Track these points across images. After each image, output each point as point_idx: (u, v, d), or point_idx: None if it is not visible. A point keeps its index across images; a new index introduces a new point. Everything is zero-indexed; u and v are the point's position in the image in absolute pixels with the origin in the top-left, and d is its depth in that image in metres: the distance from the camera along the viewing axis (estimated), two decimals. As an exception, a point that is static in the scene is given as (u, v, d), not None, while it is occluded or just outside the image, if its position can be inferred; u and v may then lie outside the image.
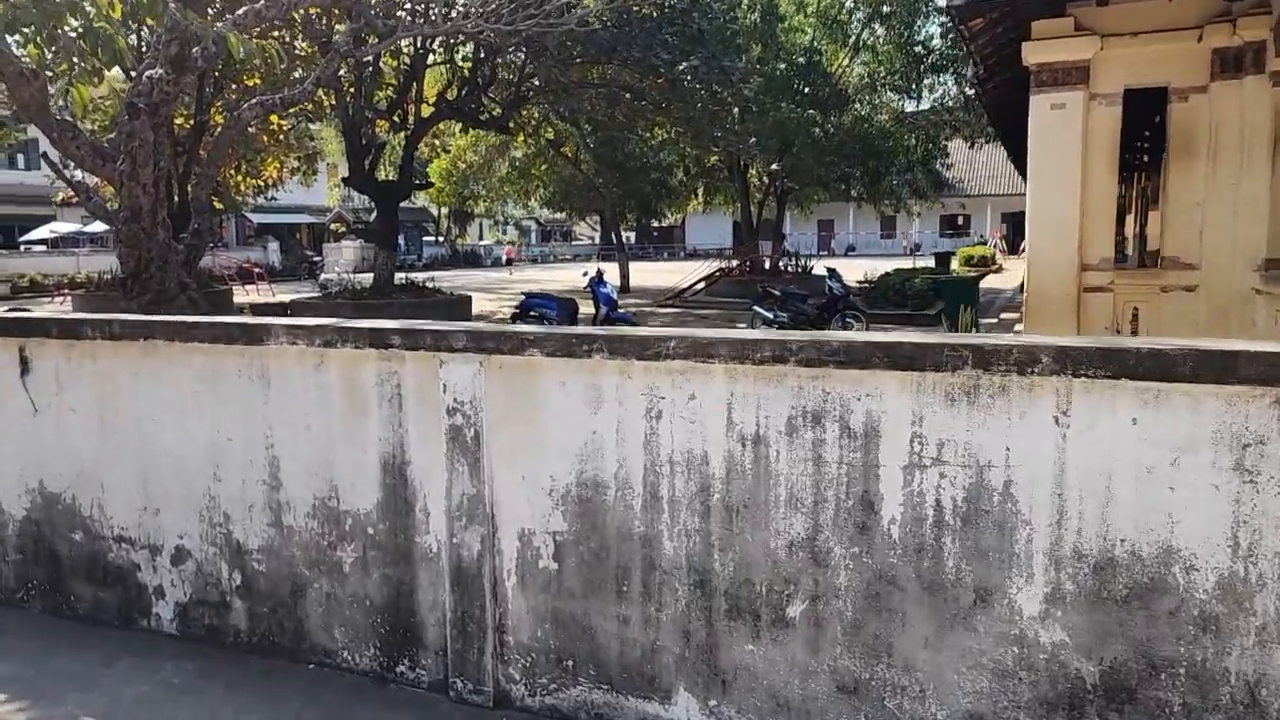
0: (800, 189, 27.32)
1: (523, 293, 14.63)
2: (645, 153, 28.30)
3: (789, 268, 24.66)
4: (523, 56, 18.02)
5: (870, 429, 2.63)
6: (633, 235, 70.42)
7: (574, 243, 77.60)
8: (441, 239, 57.04)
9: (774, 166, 20.13)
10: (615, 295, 13.77)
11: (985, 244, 47.86)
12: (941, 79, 23.27)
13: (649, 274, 28.09)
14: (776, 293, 15.36)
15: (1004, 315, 15.39)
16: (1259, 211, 6.87)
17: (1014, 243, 53.86)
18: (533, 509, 3.13)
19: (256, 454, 3.60)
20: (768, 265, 25.20)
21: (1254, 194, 6.93)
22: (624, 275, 27.39)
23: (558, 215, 70.42)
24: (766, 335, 2.73)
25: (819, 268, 26.92)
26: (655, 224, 61.40)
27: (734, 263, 25.44)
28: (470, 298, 18.96)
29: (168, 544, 3.84)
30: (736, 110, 18.76)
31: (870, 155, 23.30)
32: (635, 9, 15.84)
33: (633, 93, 17.90)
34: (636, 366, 2.89)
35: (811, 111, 21.76)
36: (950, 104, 24.57)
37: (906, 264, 39.51)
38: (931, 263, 34.98)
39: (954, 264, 34.23)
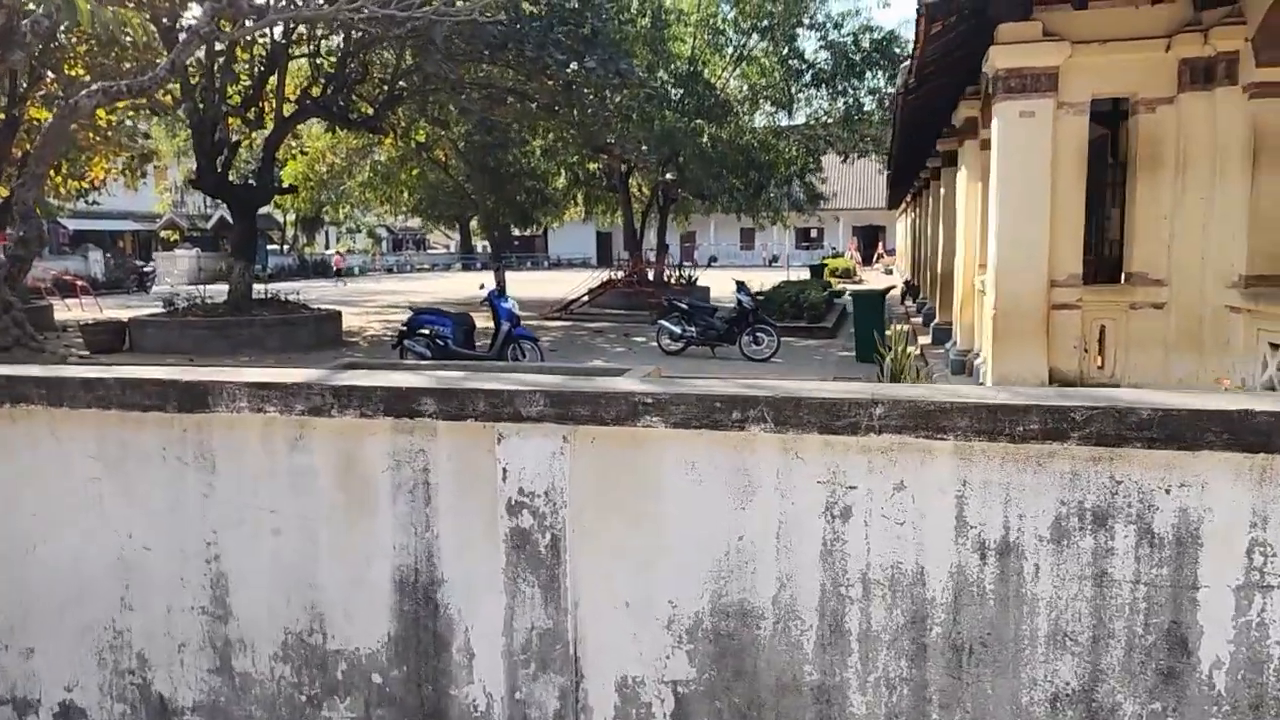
0: (682, 199, 26.91)
1: (410, 306, 13.31)
2: (520, 158, 27.20)
3: (676, 279, 24.13)
4: (398, 50, 16.66)
5: (1185, 534, 1.84)
6: (493, 244, 68.85)
7: (429, 252, 75.01)
8: (287, 248, 53.64)
9: (669, 176, 19.57)
10: (517, 310, 12.69)
11: (843, 256, 49.39)
12: (820, 93, 23.37)
13: (519, 284, 26.93)
14: (684, 306, 14.68)
15: (923, 338, 15.24)
16: (1235, 227, 6.67)
17: (867, 255, 55.91)
18: (641, 648, 2.17)
19: (192, 569, 2.46)
20: (652, 276, 24.58)
21: (1228, 209, 6.73)
22: (500, 286, 26.03)
23: (412, 223, 67.97)
24: (1033, 400, 1.88)
25: (703, 278, 26.65)
26: (516, 233, 60.09)
27: (619, 274, 24.67)
28: (339, 313, 17.33)
29: (47, 698, 2.62)
30: (632, 116, 18.02)
31: (751, 167, 23.10)
32: (526, 6, 14.84)
33: (520, 94, 16.86)
34: (812, 442, 2.00)
35: (699, 121, 21.32)
36: (825, 119, 24.74)
37: (767, 275, 40.08)
38: (805, 274, 35.49)
39: (822, 275, 34.90)
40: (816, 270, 31.56)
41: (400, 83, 16.81)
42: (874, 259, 54.72)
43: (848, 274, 37.70)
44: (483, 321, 13.76)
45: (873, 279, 43.35)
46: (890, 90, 23.66)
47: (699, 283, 25.32)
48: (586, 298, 23.49)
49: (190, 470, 2.44)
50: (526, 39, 14.53)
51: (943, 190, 13.85)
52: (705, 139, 21.71)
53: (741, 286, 14.78)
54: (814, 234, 68.01)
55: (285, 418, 2.33)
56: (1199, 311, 7.03)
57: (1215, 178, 6.82)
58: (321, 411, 2.28)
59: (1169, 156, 7.11)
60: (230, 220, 16.81)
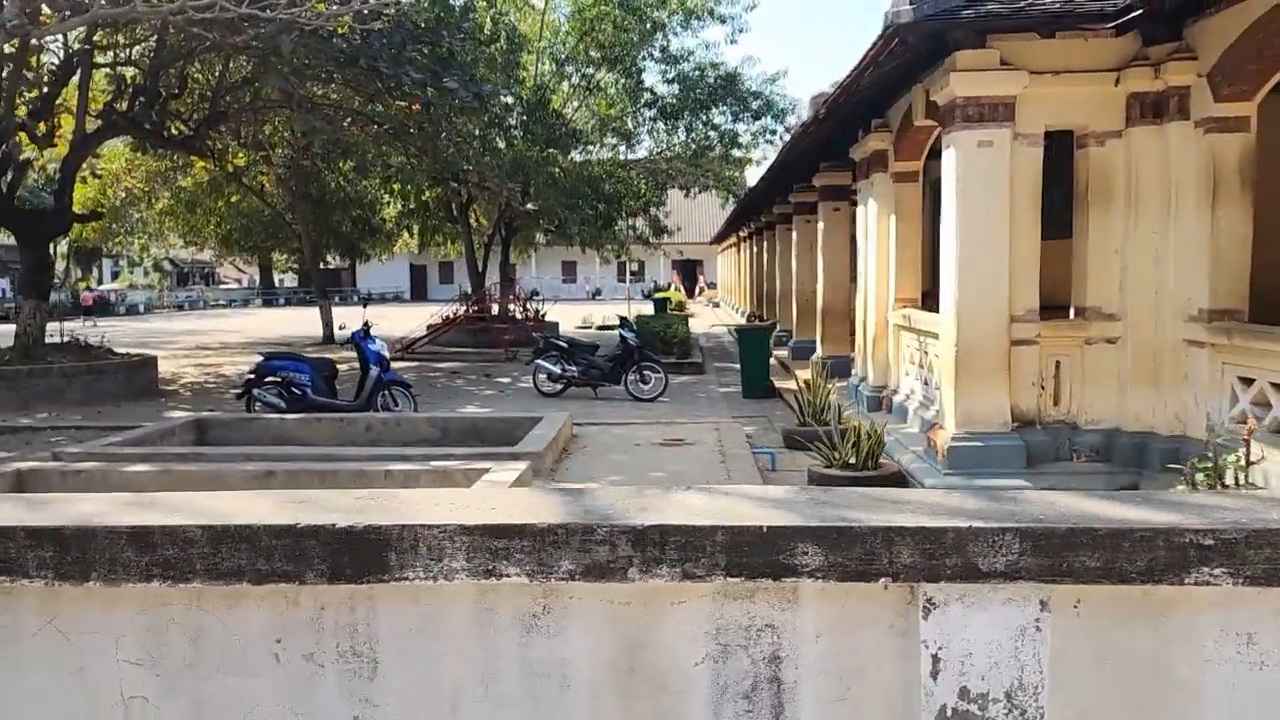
0: (524, 232, 25.97)
1: (260, 352, 11.63)
2: (345, 186, 25.33)
3: (526, 314, 23.11)
4: (224, 62, 14.84)
5: None
6: (295, 278, 64.61)
7: (222, 287, 69.45)
8: (59, 282, 47.76)
9: (530, 206, 18.62)
10: (386, 352, 11.33)
11: (668, 289, 49.97)
12: (666, 126, 23.22)
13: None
14: (562, 344, 13.77)
15: (800, 371, 15.03)
16: (1193, 261, 6.67)
17: (688, 288, 56.96)
18: None
19: None
20: (496, 310, 23.43)
21: (1184, 243, 6.73)
22: (327, 324, 24.06)
23: (202, 256, 62.60)
24: None
25: (552, 313, 25.75)
26: (323, 266, 56.56)
27: (460, 309, 23.32)
28: (154, 359, 15.07)
29: None
30: (493, 142, 16.97)
31: (600, 198, 22.57)
32: (378, 20, 13.58)
33: (363, 116, 15.43)
34: None
35: (552, 150, 20.55)
36: (668, 153, 24.65)
37: (601, 308, 39.76)
38: (645, 308, 35.31)
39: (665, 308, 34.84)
40: (659, 304, 31.38)
41: (226, 98, 14.96)
42: (696, 292, 55.82)
43: (681, 307, 38.06)
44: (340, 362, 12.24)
45: (700, 312, 44.15)
46: (729, 126, 23.97)
47: (547, 317, 24.47)
48: (427, 336, 22.03)
49: (330, 676, 1.39)
50: (380, 56, 13.26)
51: (821, 224, 13.80)
52: (557, 169, 21.00)
53: (625, 323, 14.10)
54: (634, 268, 68.83)
55: (521, 582, 1.35)
56: (1155, 346, 7.00)
57: (1169, 212, 6.82)
58: (607, 571, 1.32)
59: (1119, 190, 7.08)
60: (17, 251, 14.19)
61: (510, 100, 18.73)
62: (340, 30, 13.19)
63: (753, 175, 30.99)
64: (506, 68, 18.17)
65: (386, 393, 11.18)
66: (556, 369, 13.66)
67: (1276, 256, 7.48)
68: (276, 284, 64.19)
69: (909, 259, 9.78)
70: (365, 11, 9.85)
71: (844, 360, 13.78)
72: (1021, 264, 7.12)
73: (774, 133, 24.27)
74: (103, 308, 42.38)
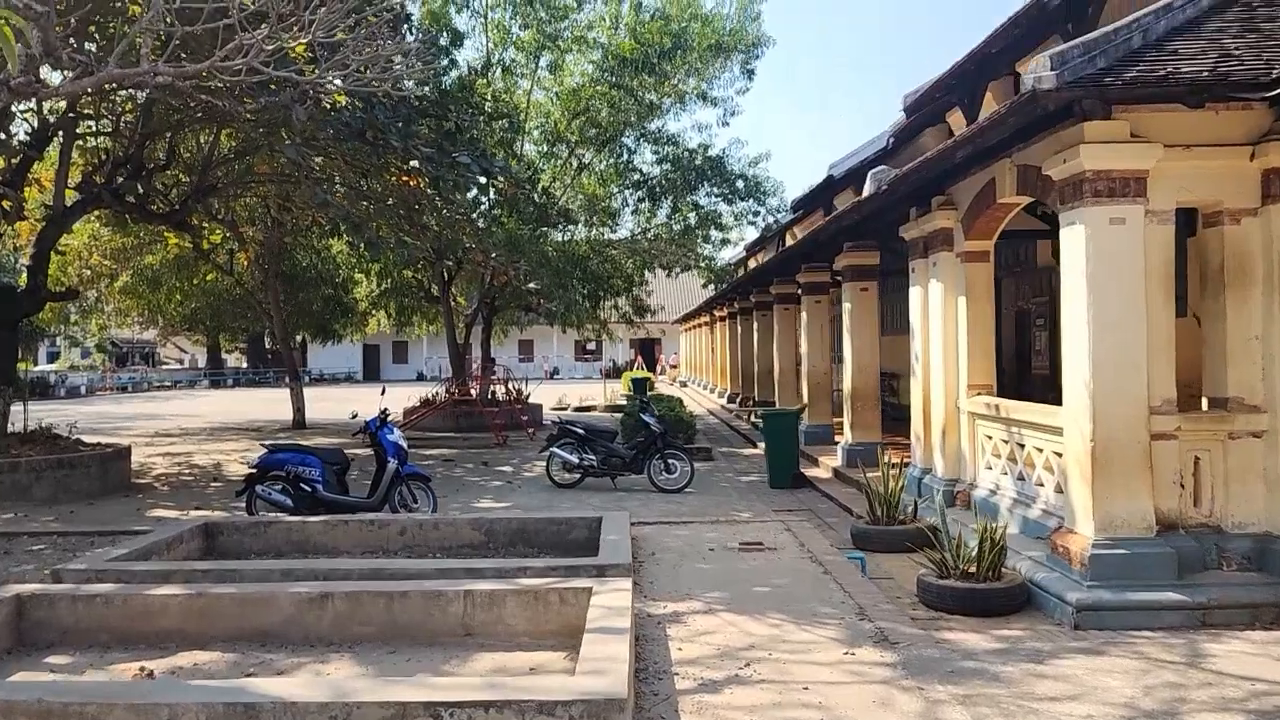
0: (507, 311, 25.16)
1: (264, 444, 10.50)
2: (318, 264, 24.38)
3: (510, 395, 22.11)
4: (214, 132, 13.96)
5: None
6: (244, 358, 62.48)
7: (165, 367, 66.81)
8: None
9: (532, 285, 17.83)
10: (405, 443, 10.30)
11: (635, 368, 49.37)
12: (653, 206, 22.84)
13: (284, 404, 23.35)
14: (579, 430, 12.83)
15: (823, 458, 14.31)
16: (1352, 348, 6.15)
17: (650, 367, 56.42)
18: None
19: None
20: (476, 393, 22.38)
21: (1339, 329, 6.22)
22: (299, 409, 22.74)
23: (144, 336, 60.30)
24: None
25: (536, 394, 24.72)
26: (269, 346, 54.75)
27: (441, 392, 22.24)
28: (128, 450, 13.72)
29: None
30: (500, 219, 16.27)
31: (588, 278, 21.97)
32: (383, 94, 12.94)
33: (359, 192, 14.63)
34: None
35: (545, 229, 19.96)
36: (654, 233, 24.25)
37: (562, 388, 38.73)
38: (610, 384, 34.52)
39: (624, 386, 34.01)
40: (639, 384, 30.62)
41: (217, 171, 14.05)
42: (658, 371, 55.33)
43: (651, 385, 37.37)
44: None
45: (669, 392, 43.45)
46: (713, 207, 23.66)
47: (530, 399, 23.51)
48: (405, 422, 20.83)
49: None
50: (389, 128, 12.55)
51: (848, 305, 13.24)
52: (550, 248, 20.39)
53: (646, 407, 13.24)
54: (591, 347, 68.31)
55: None
56: (1308, 441, 6.40)
57: (1318, 296, 6.31)
58: None
59: (1257, 271, 6.57)
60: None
61: (510, 176, 18.11)
62: (339, 100, 12.55)
63: (728, 255, 30.83)
64: (508, 145, 17.61)
65: (404, 489, 10.12)
66: (573, 458, 12.71)
67: None
68: (224, 364, 61.97)
69: (981, 343, 9.19)
70: (409, 81, 9.10)
71: (872, 447, 13.11)
72: (1157, 351, 6.52)
73: (756, 214, 24.10)
74: (42, 389, 40.02)
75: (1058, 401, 7.22)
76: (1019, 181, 7.86)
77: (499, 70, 19.77)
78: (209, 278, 22.39)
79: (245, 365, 61.12)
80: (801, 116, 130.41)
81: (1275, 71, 6.00)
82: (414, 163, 13.42)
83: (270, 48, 7.26)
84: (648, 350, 63.13)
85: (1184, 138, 6.49)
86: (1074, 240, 6.62)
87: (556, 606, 5.64)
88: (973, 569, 6.74)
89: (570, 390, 36.34)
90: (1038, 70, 5.98)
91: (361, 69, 8.29)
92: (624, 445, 12.81)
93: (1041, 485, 7.80)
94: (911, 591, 7.01)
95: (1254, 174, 6.55)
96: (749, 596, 6.33)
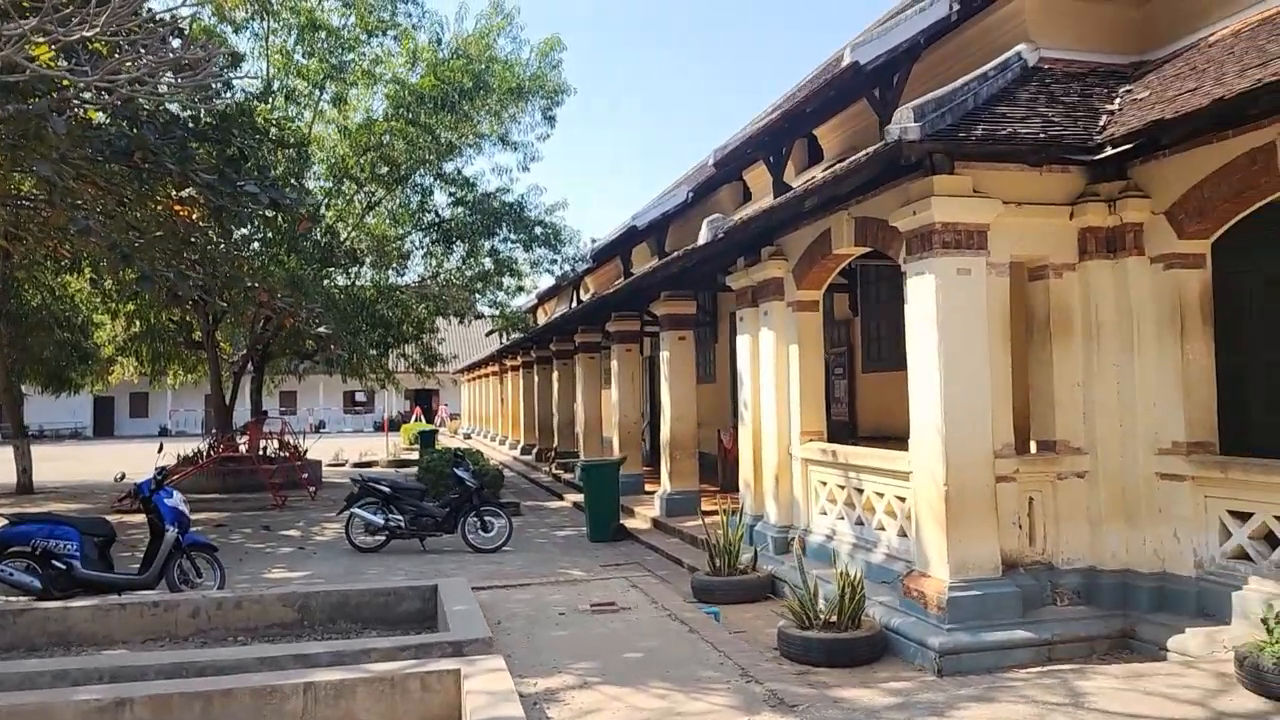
0: (278, 359, 23.08)
1: (2, 514, 8.72)
2: (53, 302, 21.34)
3: (288, 451, 20.19)
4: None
5: None
6: (13, 413, 53.68)
7: None
8: None
9: (323, 329, 16.27)
10: (187, 509, 8.88)
11: (414, 420, 47.37)
12: (450, 250, 21.97)
13: (7, 464, 20.09)
14: (384, 489, 11.76)
15: (639, 509, 14.00)
16: (1162, 394, 6.66)
17: (428, 418, 54.35)
18: None
19: None
20: (245, 450, 20.26)
21: (1148, 376, 6.73)
22: (24, 470, 19.51)
23: None
24: None
25: (317, 449, 22.78)
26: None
27: (205, 449, 19.90)
28: None
29: None
30: (264, 257, 14.81)
31: (376, 324, 20.68)
32: (150, 112, 11.51)
33: (115, 219, 12.83)
34: None
35: (329, 269, 18.58)
36: (447, 278, 23.33)
37: (336, 443, 36.19)
38: (392, 437, 32.68)
39: (405, 440, 32.25)
40: (426, 436, 29.21)
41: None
42: (438, 422, 53.36)
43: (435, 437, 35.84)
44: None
45: (453, 444, 41.80)
46: (509, 253, 23.18)
47: (309, 455, 21.64)
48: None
49: None
50: (163, 150, 11.12)
51: (666, 354, 13.18)
52: (335, 290, 19.00)
53: (460, 461, 12.38)
54: (361, 398, 64.99)
55: None
56: (1125, 480, 6.88)
57: (1131, 344, 6.84)
58: None
59: (1077, 322, 7.05)
60: None
61: (305, 209, 16.64)
62: (95, 115, 11.06)
63: (520, 302, 30.32)
64: (292, 176, 16.23)
65: (185, 561, 8.72)
66: (378, 519, 11.62)
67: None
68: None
69: (813, 390, 9.32)
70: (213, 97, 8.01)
71: (692, 496, 13.08)
72: (998, 396, 6.80)
73: (554, 261, 23.86)
74: None
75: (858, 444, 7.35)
76: (857, 233, 8.07)
77: (282, 97, 18.32)
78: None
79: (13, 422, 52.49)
80: (595, 168, 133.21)
81: (1097, 138, 6.51)
82: (190, 191, 11.99)
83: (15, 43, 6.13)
84: (425, 401, 60.87)
85: (1016, 196, 6.89)
86: (923, 290, 6.80)
87: (418, 695, 4.86)
88: (834, 618, 6.64)
89: (345, 445, 34.01)
90: (902, 122, 6.11)
91: (131, 81, 7.19)
92: (435, 503, 11.88)
93: (883, 529, 7.92)
94: (769, 645, 6.81)
95: (1073, 232, 7.06)
96: (623, 665, 5.82)
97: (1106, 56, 8.22)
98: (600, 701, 5.12)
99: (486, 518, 11.71)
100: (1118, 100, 7.30)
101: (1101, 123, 6.84)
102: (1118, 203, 6.85)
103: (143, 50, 7.67)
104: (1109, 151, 6.36)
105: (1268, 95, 5.25)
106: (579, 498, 15.98)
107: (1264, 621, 5.26)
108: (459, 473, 11.94)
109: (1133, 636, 6.48)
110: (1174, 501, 6.62)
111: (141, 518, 9.18)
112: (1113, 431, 6.93)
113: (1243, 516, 6.21)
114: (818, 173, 11.42)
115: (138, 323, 21.04)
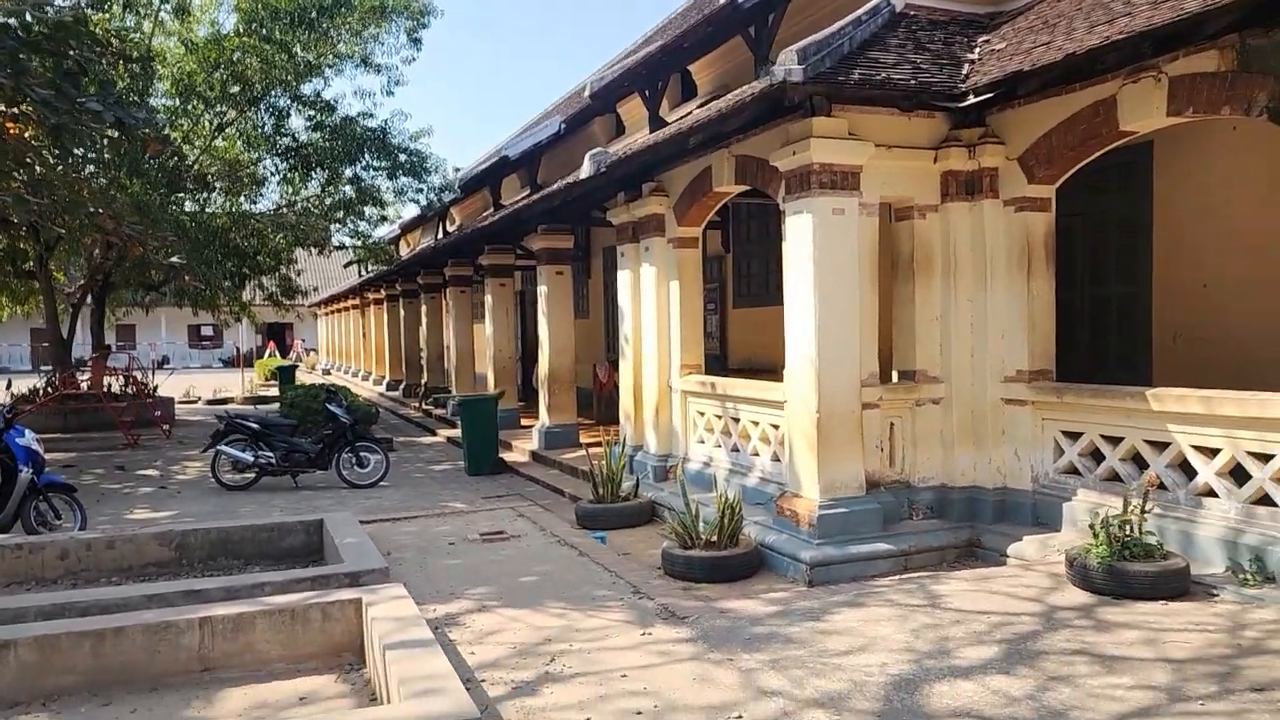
0: (120, 291, 21.60)
1: None
2: None
3: (137, 388, 19.09)
4: None
5: None
6: None
7: None
8: None
9: (176, 259, 15.24)
10: (41, 448, 8.40)
11: (268, 355, 45.47)
12: (309, 176, 20.95)
13: None
14: (253, 425, 11.41)
15: (516, 442, 14.07)
16: (1008, 326, 7.28)
17: (284, 353, 52.20)
18: None
19: None
20: (87, 386, 19.06)
21: (998, 310, 7.32)
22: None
23: None
24: None
25: (166, 385, 21.62)
26: None
27: (43, 386, 18.57)
28: None
29: None
30: (105, 180, 13.76)
31: (230, 254, 19.65)
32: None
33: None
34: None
35: (180, 195, 17.46)
36: (305, 206, 22.31)
37: (185, 380, 34.38)
38: (246, 373, 31.41)
39: (260, 375, 30.93)
40: (285, 372, 28.15)
41: None
42: (294, 357, 51.32)
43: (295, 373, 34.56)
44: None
45: (312, 379, 40.36)
46: (371, 181, 22.39)
47: (159, 392, 20.56)
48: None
49: None
50: (-13, 57, 10.15)
51: (544, 288, 13.20)
52: (186, 217, 17.88)
53: (333, 397, 12.12)
54: (208, 332, 61.67)
55: None
56: (974, 405, 7.52)
57: (984, 281, 7.42)
58: None
59: (938, 261, 7.57)
60: None
61: (155, 129, 15.39)
62: None
63: (382, 232, 29.35)
64: (140, 92, 15.06)
65: (43, 503, 8.28)
66: (247, 456, 11.30)
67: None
68: None
69: (692, 325, 9.62)
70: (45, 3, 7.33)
71: (570, 429, 13.29)
72: (866, 330, 7.27)
73: (420, 191, 23.19)
74: None
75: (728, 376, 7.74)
76: (738, 171, 8.32)
77: (119, 5, 16.83)
78: None
79: None
80: (463, 94, 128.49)
81: (961, 86, 6.93)
82: (23, 106, 11.02)
83: None
84: (279, 335, 58.34)
85: (886, 139, 7.27)
86: (800, 228, 7.13)
87: (319, 625, 4.92)
88: (714, 538, 7.04)
89: (195, 381, 32.33)
90: (786, 64, 6.33)
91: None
92: (307, 440, 11.63)
93: (758, 455, 8.38)
94: (655, 565, 7.15)
95: (936, 175, 7.54)
96: (519, 588, 6.03)
97: (966, 6, 8.64)
98: (500, 623, 5.32)
99: (362, 453, 11.57)
100: (977, 50, 7.75)
101: (964, 71, 7.28)
102: (977, 148, 7.35)
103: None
104: (972, 100, 6.81)
105: (1114, 52, 5.76)
106: (453, 433, 15.96)
107: (1090, 527, 5.95)
108: (332, 408, 11.71)
109: (979, 545, 7.19)
110: (1016, 424, 7.32)
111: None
112: (965, 362, 7.55)
113: (1074, 436, 6.95)
114: (693, 108, 11.58)
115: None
